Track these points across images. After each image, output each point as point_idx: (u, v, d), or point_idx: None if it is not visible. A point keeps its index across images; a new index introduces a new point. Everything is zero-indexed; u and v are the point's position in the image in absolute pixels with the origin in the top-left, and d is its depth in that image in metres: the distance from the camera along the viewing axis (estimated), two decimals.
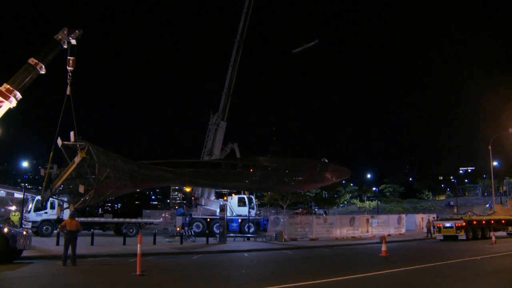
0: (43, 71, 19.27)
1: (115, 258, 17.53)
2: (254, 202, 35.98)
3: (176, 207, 65.64)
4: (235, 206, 34.88)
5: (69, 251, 14.81)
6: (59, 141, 21.36)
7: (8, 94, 17.92)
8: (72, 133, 21.16)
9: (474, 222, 30.24)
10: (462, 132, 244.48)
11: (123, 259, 17.11)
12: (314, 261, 17.80)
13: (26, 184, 77.33)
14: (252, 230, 32.00)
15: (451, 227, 29.37)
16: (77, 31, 20.46)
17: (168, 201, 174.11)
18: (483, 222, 30.89)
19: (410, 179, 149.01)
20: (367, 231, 32.80)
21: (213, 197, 36.74)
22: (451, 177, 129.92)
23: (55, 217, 29.64)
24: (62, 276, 12.68)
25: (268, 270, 14.72)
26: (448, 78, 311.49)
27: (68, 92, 20.92)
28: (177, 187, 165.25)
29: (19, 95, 18.41)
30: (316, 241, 28.07)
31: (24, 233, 16.01)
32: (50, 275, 12.89)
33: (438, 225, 30.43)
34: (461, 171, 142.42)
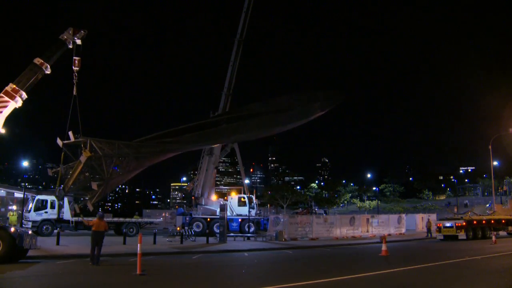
0: (48, 71, 19.33)
1: (115, 258, 17.53)
2: (254, 201, 35.93)
3: (176, 206, 65.56)
4: (235, 206, 34.84)
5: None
6: (59, 142, 21.47)
7: (14, 94, 17.98)
8: (70, 133, 21.28)
9: (474, 222, 30.25)
10: (462, 132, 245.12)
11: (123, 259, 17.13)
12: (314, 261, 17.81)
13: (26, 184, 77.26)
14: (252, 229, 31.98)
15: (451, 227, 29.38)
16: (82, 31, 20.57)
17: (168, 200, 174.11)
18: (483, 222, 30.89)
19: (410, 178, 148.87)
20: (367, 231, 32.78)
21: (213, 197, 36.73)
22: (451, 177, 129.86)
23: (55, 216, 29.71)
24: (63, 276, 12.72)
25: (268, 270, 14.74)
26: (449, 78, 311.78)
27: (74, 92, 21.11)
28: (177, 187, 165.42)
29: (24, 95, 18.46)
30: (316, 241, 28.06)
31: (30, 232, 16.09)
32: (50, 275, 12.92)
33: (438, 225, 30.43)
34: (461, 171, 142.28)
